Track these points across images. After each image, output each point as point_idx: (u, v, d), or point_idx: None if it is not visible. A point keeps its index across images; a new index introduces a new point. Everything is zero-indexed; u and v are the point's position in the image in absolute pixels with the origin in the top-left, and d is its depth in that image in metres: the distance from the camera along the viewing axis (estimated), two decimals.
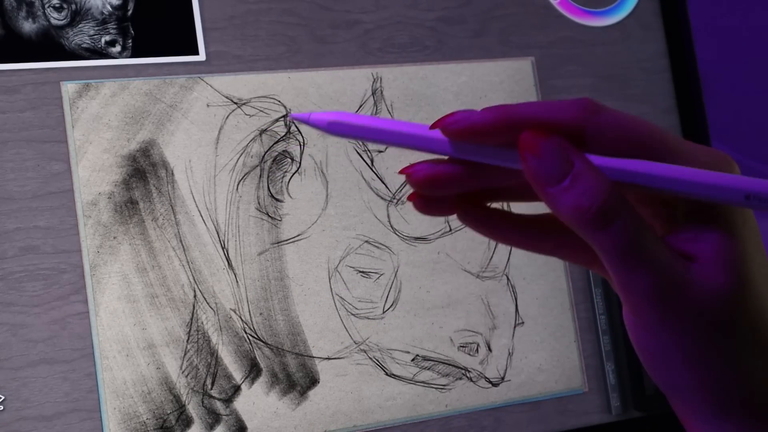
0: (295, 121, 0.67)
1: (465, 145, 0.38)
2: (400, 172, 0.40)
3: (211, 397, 0.66)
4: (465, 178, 0.38)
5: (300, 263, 0.70)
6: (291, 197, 0.70)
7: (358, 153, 0.72)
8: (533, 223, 0.40)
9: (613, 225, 0.34)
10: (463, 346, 0.72)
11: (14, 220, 0.64)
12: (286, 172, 0.70)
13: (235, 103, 0.70)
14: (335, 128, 0.39)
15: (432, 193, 0.40)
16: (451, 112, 0.36)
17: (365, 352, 0.70)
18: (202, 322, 0.67)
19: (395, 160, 0.73)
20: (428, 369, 0.71)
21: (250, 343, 0.68)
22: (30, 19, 0.67)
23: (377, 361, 0.70)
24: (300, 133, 0.71)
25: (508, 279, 0.74)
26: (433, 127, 0.38)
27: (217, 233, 0.68)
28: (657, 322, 0.34)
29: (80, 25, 0.67)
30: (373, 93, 0.73)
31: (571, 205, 0.34)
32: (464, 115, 0.36)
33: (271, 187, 0.70)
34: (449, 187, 0.39)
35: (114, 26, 0.68)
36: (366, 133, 0.39)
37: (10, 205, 0.64)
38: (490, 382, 0.73)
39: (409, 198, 0.39)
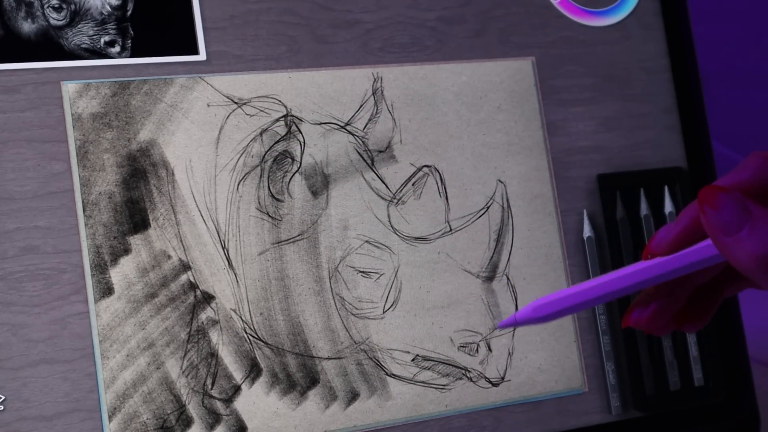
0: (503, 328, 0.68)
1: (668, 261, 0.38)
2: (624, 327, 0.42)
3: (211, 397, 0.66)
4: (675, 298, 0.39)
5: (300, 263, 0.69)
6: (291, 197, 0.70)
7: (358, 153, 0.72)
8: (718, 282, 0.40)
9: None
10: (463, 346, 0.72)
11: (14, 220, 0.64)
12: (286, 172, 0.70)
13: (236, 102, 0.70)
14: (542, 312, 0.40)
15: (656, 325, 0.41)
16: (652, 237, 0.37)
17: (365, 352, 0.70)
18: (202, 322, 0.67)
19: (396, 160, 0.73)
20: (428, 369, 0.71)
21: (251, 343, 0.68)
22: (29, 20, 0.66)
23: (377, 361, 0.70)
24: (300, 132, 0.71)
25: (508, 279, 0.74)
26: (645, 255, 0.39)
27: (218, 233, 0.68)
28: None
29: (79, 26, 0.67)
30: (374, 93, 0.73)
31: (749, 254, 0.34)
32: (663, 229, 0.36)
33: (271, 187, 0.70)
34: (667, 314, 0.40)
35: (113, 27, 0.68)
36: (572, 302, 0.40)
37: (10, 205, 0.64)
38: (490, 382, 0.73)
39: (630, 324, 0.41)
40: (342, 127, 0.72)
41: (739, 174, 0.37)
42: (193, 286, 0.67)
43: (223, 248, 0.68)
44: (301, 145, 0.71)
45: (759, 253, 0.34)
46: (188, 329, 0.66)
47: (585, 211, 0.77)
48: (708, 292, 0.42)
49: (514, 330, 0.74)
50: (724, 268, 0.39)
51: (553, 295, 0.40)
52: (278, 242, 0.69)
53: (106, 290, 0.65)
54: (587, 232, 0.76)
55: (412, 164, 0.73)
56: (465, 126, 0.75)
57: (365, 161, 0.72)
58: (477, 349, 0.73)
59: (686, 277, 0.39)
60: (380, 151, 0.73)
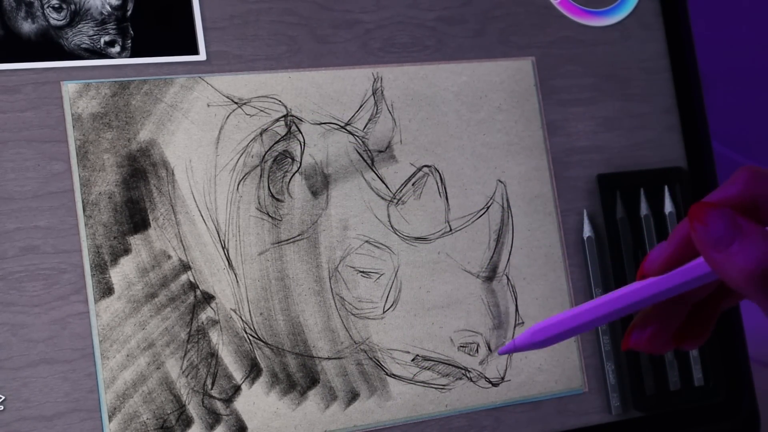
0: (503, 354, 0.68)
1: (662, 280, 0.39)
2: (625, 350, 0.42)
3: (211, 397, 0.66)
4: (672, 317, 0.39)
5: (300, 263, 0.70)
6: (291, 197, 0.70)
7: (358, 153, 0.72)
8: (714, 298, 0.40)
9: None
10: (463, 346, 0.72)
11: (14, 220, 0.64)
12: (286, 172, 0.70)
13: (236, 102, 0.70)
14: (540, 336, 0.40)
15: (655, 345, 0.41)
16: (644, 258, 0.38)
17: (365, 352, 0.70)
18: (202, 322, 0.67)
19: (396, 160, 0.73)
20: (428, 369, 0.71)
21: (251, 343, 0.68)
22: (29, 20, 0.66)
23: (377, 361, 0.70)
24: (300, 132, 0.71)
25: (508, 279, 0.74)
26: (639, 276, 0.39)
27: (218, 233, 0.68)
28: None
29: (79, 26, 0.67)
30: (374, 93, 0.73)
31: (740, 269, 0.34)
32: (655, 249, 0.37)
33: (271, 187, 0.70)
34: (666, 333, 0.40)
35: (113, 27, 0.68)
36: (570, 325, 0.41)
37: (10, 205, 0.64)
38: (490, 382, 0.73)
39: (630, 347, 0.41)
40: (342, 127, 0.72)
41: (727, 189, 0.37)
42: (193, 286, 0.67)
43: (223, 248, 0.68)
44: (301, 145, 0.71)
45: (749, 268, 0.34)
46: (188, 329, 0.66)
47: (585, 211, 0.77)
48: (705, 308, 0.42)
49: (515, 330, 0.74)
50: (719, 283, 0.39)
51: (551, 319, 0.40)
52: (278, 242, 0.69)
53: (106, 290, 0.65)
54: (587, 232, 0.76)
55: (412, 164, 0.73)
56: (465, 126, 0.75)
57: (365, 161, 0.72)
58: (477, 349, 0.73)
59: (682, 296, 0.39)
60: (380, 151, 0.73)
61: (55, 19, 0.67)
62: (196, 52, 0.70)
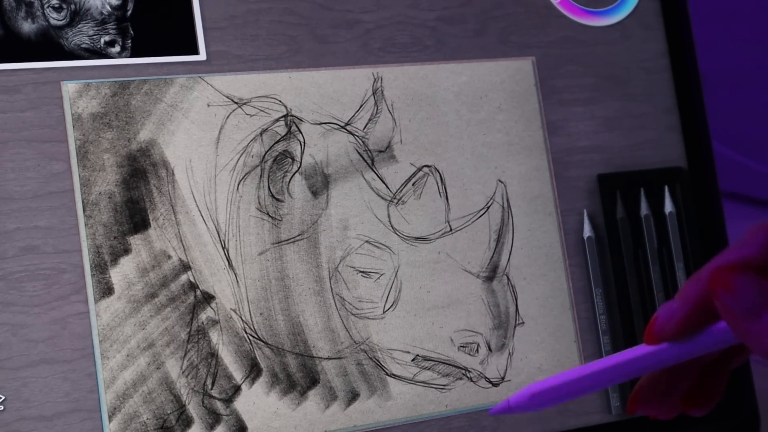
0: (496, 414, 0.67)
1: (678, 347, 0.37)
2: (631, 414, 0.40)
3: (211, 397, 0.66)
4: (681, 380, 0.37)
5: (300, 263, 0.69)
6: (291, 197, 0.70)
7: (358, 153, 0.72)
8: (725, 357, 0.39)
9: None
10: (463, 346, 0.72)
11: (14, 220, 0.64)
12: (286, 171, 0.70)
13: (236, 102, 0.70)
14: (538, 400, 0.38)
15: (663, 411, 0.40)
16: (653, 318, 0.35)
17: (365, 352, 0.70)
18: (202, 322, 0.67)
19: (396, 160, 0.73)
20: (428, 369, 0.71)
21: (251, 343, 0.68)
22: (29, 20, 0.66)
23: (377, 361, 0.70)
24: (300, 132, 0.71)
25: (508, 279, 0.74)
26: (648, 338, 0.37)
27: (218, 233, 0.68)
28: None
29: (79, 26, 0.67)
30: (374, 93, 0.73)
31: None
32: (665, 311, 0.35)
33: (271, 187, 0.70)
34: (674, 397, 0.39)
35: (113, 26, 0.68)
36: (572, 389, 0.39)
37: (10, 205, 0.64)
38: (490, 382, 0.73)
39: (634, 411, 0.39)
40: (342, 127, 0.72)
41: (745, 250, 0.34)
42: (193, 286, 0.67)
43: (223, 248, 0.68)
44: (301, 145, 0.71)
45: None
46: (188, 329, 0.66)
47: (585, 211, 0.77)
48: (715, 368, 0.40)
49: (515, 330, 0.74)
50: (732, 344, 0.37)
51: (551, 379, 0.38)
52: (278, 242, 0.69)
53: (106, 290, 0.65)
54: (587, 232, 0.76)
55: (412, 164, 0.73)
56: (465, 126, 0.75)
57: (365, 161, 0.72)
58: (477, 349, 0.73)
59: (693, 359, 0.38)
60: (380, 151, 0.73)
61: (55, 19, 0.67)
62: (196, 52, 0.70)
